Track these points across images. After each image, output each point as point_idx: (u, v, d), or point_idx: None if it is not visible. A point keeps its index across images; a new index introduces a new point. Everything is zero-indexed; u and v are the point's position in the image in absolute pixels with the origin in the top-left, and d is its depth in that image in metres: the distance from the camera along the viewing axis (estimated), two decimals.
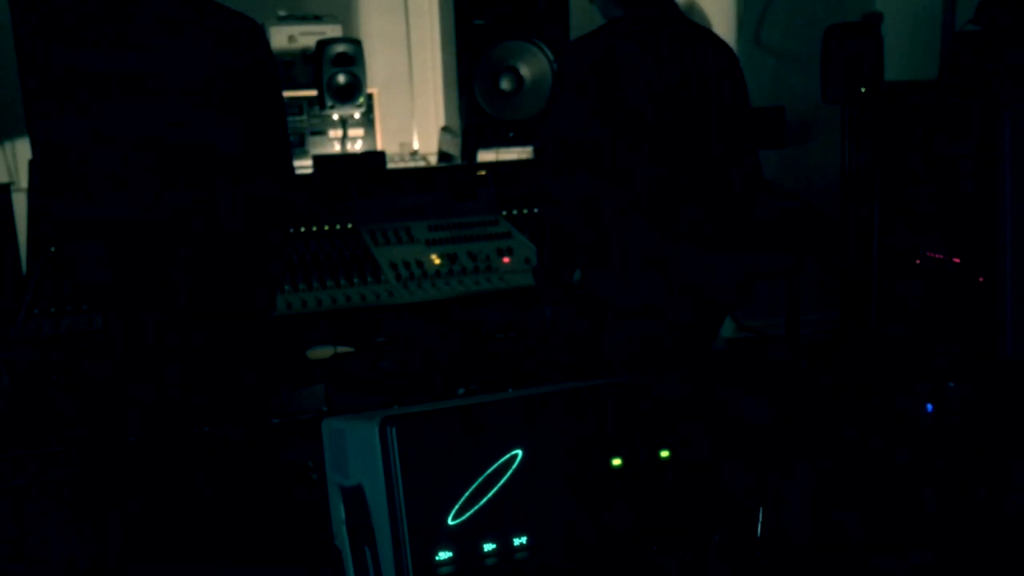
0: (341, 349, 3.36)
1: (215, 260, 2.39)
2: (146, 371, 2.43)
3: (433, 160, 5.69)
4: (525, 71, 4.71)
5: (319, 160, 4.07)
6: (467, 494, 1.07)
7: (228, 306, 2.44)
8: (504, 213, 3.78)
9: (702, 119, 2.66)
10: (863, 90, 3.81)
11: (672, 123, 2.63)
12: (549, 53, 4.58)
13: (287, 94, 5.29)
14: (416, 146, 5.91)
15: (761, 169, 2.88)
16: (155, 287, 2.37)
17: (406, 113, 5.92)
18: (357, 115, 5.28)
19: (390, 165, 4.65)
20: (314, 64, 5.20)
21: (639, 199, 2.63)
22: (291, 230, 3.46)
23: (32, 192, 3.57)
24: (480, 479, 1.07)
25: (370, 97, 5.36)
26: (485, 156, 4.85)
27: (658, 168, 2.63)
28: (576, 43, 2.71)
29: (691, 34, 2.68)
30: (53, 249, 3.24)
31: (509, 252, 3.46)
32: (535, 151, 4.71)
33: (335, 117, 5.28)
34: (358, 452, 1.10)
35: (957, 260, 2.90)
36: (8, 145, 4.82)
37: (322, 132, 5.36)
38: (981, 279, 2.79)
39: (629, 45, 2.61)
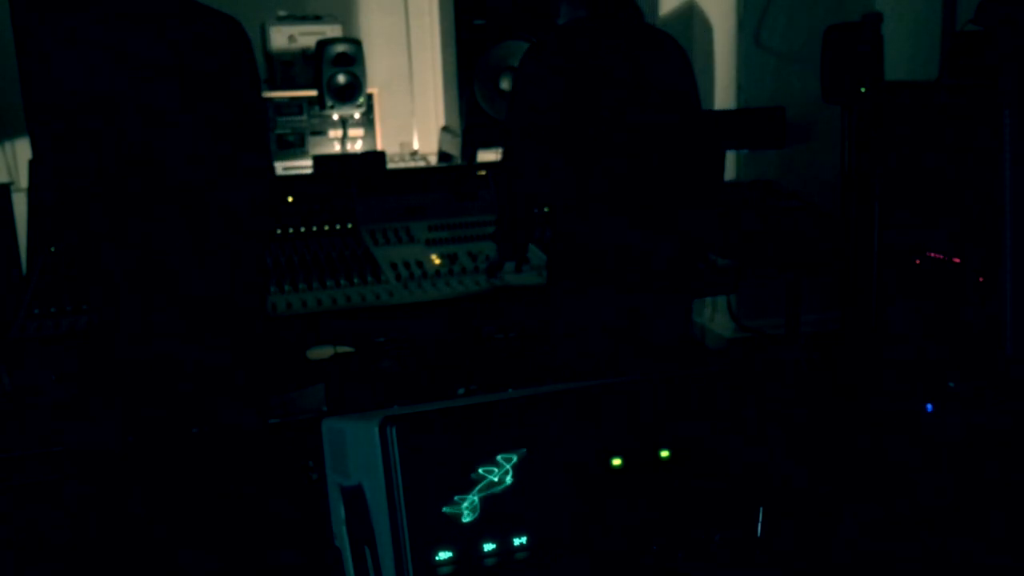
0: (341, 349, 3.36)
1: (196, 254, 2.37)
2: (143, 369, 2.42)
3: (433, 160, 5.69)
4: None
5: (319, 160, 4.07)
6: (467, 494, 1.07)
7: (218, 300, 2.42)
8: None
9: (653, 116, 2.81)
10: (863, 90, 3.80)
11: (624, 120, 2.78)
12: None
13: (287, 94, 5.30)
14: (416, 146, 5.91)
15: (722, 168, 3.07)
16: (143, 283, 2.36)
17: (406, 113, 5.92)
18: (357, 115, 5.28)
19: (390, 165, 4.65)
20: (314, 64, 5.20)
21: (589, 187, 2.80)
22: (272, 230, 3.44)
23: (32, 192, 3.56)
24: (480, 479, 1.07)
25: (370, 97, 5.36)
26: (485, 156, 4.85)
27: (609, 160, 2.79)
28: (539, 42, 2.84)
29: (648, 37, 2.86)
30: (53, 249, 3.24)
31: None
32: None
33: (335, 117, 5.28)
34: (358, 452, 1.10)
35: (957, 260, 2.90)
36: (8, 145, 4.82)
37: (322, 132, 5.36)
38: (981, 279, 2.79)
39: (589, 44, 2.78)
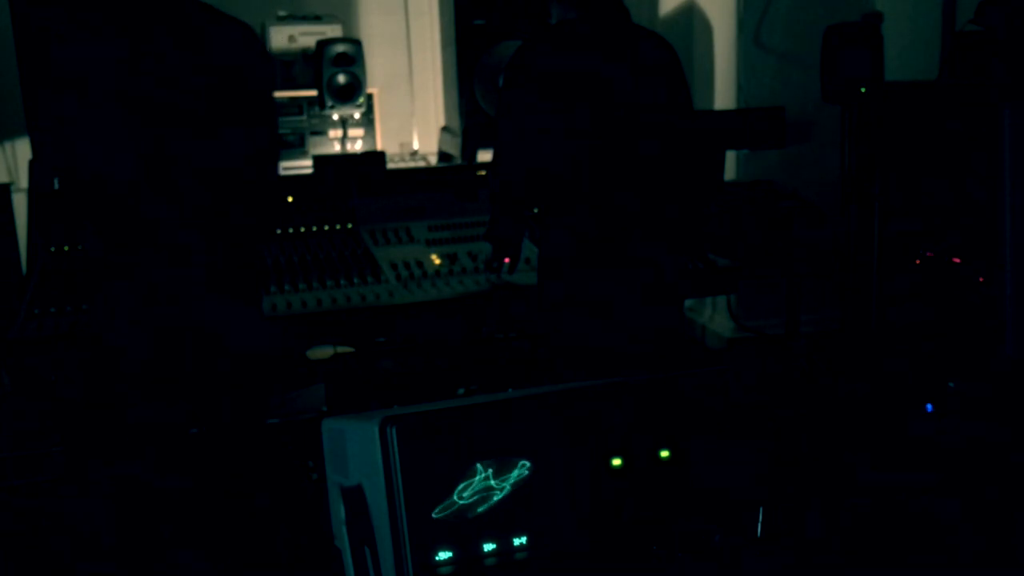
0: (341, 349, 3.36)
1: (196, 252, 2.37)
2: (144, 371, 2.42)
3: (433, 160, 5.69)
4: None
5: (319, 160, 4.06)
6: (467, 494, 1.07)
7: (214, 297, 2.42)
8: None
9: (642, 117, 2.81)
10: (863, 90, 3.81)
11: (614, 120, 2.78)
12: None
13: (287, 94, 5.30)
14: (416, 146, 5.92)
15: (721, 168, 3.07)
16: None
17: (406, 113, 5.92)
18: (357, 115, 5.28)
19: (390, 165, 4.64)
20: (314, 64, 5.20)
21: (578, 186, 2.80)
22: (271, 232, 3.46)
23: (32, 192, 3.56)
24: (480, 479, 1.07)
25: (370, 97, 5.35)
26: (485, 156, 4.85)
27: (599, 161, 2.79)
28: (529, 41, 2.87)
29: (637, 38, 2.87)
30: (53, 249, 3.24)
31: None
32: None
33: (335, 117, 5.28)
34: (358, 452, 1.10)
35: (957, 260, 2.91)
36: (8, 145, 4.82)
37: (322, 132, 5.36)
38: (981, 279, 2.80)
39: (578, 45, 2.79)
